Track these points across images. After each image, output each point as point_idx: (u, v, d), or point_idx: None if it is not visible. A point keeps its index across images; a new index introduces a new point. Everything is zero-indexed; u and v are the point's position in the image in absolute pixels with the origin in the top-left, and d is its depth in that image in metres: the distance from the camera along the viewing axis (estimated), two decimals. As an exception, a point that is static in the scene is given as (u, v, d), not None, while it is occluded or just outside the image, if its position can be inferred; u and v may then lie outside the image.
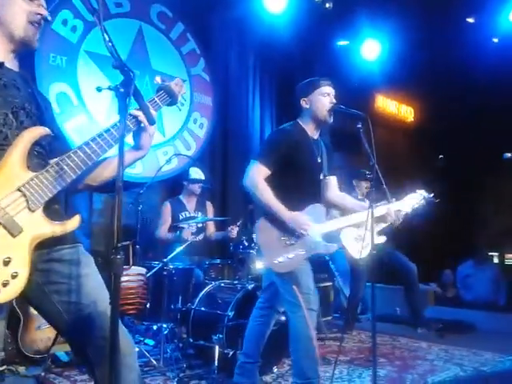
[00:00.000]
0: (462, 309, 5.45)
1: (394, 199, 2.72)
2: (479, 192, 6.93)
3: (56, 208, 1.53)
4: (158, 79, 1.77)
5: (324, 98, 2.62)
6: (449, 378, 3.32)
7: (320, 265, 4.54)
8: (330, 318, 5.00)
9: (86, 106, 4.29)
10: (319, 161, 2.66)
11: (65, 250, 1.53)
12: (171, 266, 3.49)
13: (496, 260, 7.26)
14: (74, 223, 1.49)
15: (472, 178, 7.18)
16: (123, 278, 3.12)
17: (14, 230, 1.35)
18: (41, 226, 1.41)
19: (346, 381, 3.20)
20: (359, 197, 4.64)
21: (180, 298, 3.53)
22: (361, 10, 5.72)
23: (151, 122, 1.58)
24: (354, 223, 2.67)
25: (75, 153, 1.47)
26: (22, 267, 1.36)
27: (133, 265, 3.50)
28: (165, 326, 3.34)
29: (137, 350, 3.20)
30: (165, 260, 3.45)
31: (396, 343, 4.35)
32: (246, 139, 5.55)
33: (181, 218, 4.25)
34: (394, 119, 7.85)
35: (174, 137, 4.98)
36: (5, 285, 1.32)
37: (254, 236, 3.69)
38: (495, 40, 6.25)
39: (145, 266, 3.56)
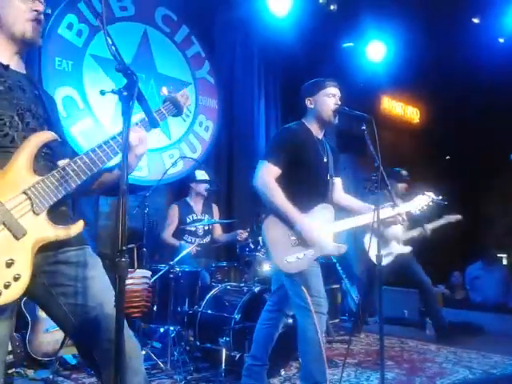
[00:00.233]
0: (470, 311, 5.41)
1: (399, 200, 2.70)
2: (487, 193, 6.89)
3: (63, 210, 1.53)
4: (164, 91, 1.78)
5: (329, 99, 2.61)
6: (458, 381, 3.29)
7: (327, 267, 4.52)
8: (337, 320, 4.99)
9: (91, 109, 4.31)
10: (325, 160, 2.65)
11: (71, 252, 1.53)
12: (178, 269, 3.49)
13: (505, 261, 7.20)
14: (77, 228, 1.49)
15: (479, 179, 7.14)
16: (128, 281, 3.11)
17: (17, 233, 1.36)
18: (44, 230, 1.42)
19: (354, 383, 3.18)
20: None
21: (187, 300, 3.52)
22: (366, 11, 5.70)
23: (155, 125, 1.57)
24: (363, 224, 2.63)
25: (81, 158, 1.48)
26: (24, 270, 1.36)
27: (140, 268, 3.50)
28: (172, 328, 3.34)
29: (144, 352, 3.24)
30: (171, 263, 3.45)
31: (404, 346, 4.32)
32: (252, 141, 5.55)
33: (188, 220, 4.26)
34: (399, 121, 7.82)
35: (180, 140, 4.98)
36: (7, 286, 1.32)
37: (260, 237, 3.69)
38: (501, 40, 6.22)
39: (151, 269, 3.56)
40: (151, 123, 1.57)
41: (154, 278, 3.43)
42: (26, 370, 3.12)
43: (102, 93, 1.48)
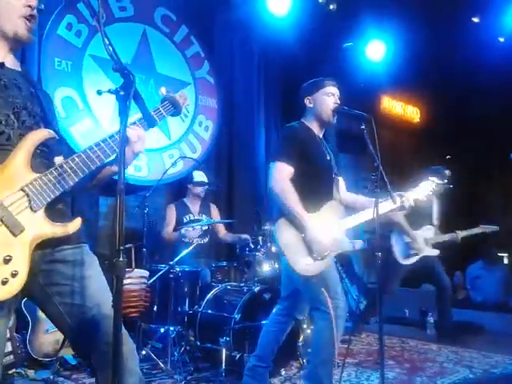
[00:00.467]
0: (471, 310, 5.39)
1: (397, 196, 2.68)
2: (487, 192, 6.88)
3: (60, 208, 1.53)
4: (163, 90, 1.78)
5: (328, 98, 2.61)
6: (458, 381, 3.28)
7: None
8: (347, 323, 4.98)
9: (91, 110, 4.31)
10: (328, 159, 2.66)
11: (68, 251, 1.53)
12: (178, 269, 3.49)
13: (506, 261, 7.19)
14: (75, 225, 1.49)
15: (479, 179, 7.13)
16: (126, 281, 3.12)
17: (15, 229, 1.36)
18: (42, 227, 1.42)
19: (355, 383, 3.17)
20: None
21: (187, 300, 3.53)
22: (365, 10, 5.70)
23: (152, 124, 1.58)
24: (372, 218, 2.60)
25: (79, 156, 1.49)
26: (22, 266, 1.37)
27: (140, 268, 3.50)
28: (172, 328, 3.34)
29: (144, 352, 3.24)
30: (171, 263, 3.45)
31: (405, 345, 4.32)
32: (252, 141, 5.54)
33: (185, 220, 4.25)
34: (399, 120, 7.82)
35: (180, 140, 4.98)
36: (4, 283, 1.33)
37: (260, 237, 3.69)
38: (501, 39, 6.21)
39: (151, 269, 3.57)
40: (148, 122, 1.58)
41: (154, 277, 3.43)
42: (27, 370, 3.12)
43: (99, 93, 1.48)
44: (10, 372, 2.92)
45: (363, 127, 2.47)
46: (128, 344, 1.52)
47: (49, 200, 1.43)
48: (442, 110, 7.14)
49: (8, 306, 1.45)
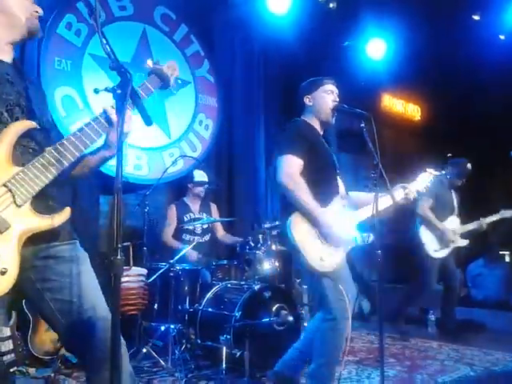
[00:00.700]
0: (472, 308, 5.39)
1: (401, 188, 2.69)
2: (488, 190, 6.87)
3: (47, 201, 1.51)
4: (149, 63, 1.72)
5: (327, 96, 2.61)
6: (459, 378, 3.28)
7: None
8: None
9: (91, 109, 4.32)
10: (331, 155, 2.66)
11: (60, 247, 1.53)
12: (178, 267, 3.49)
13: (508, 259, 7.17)
14: (62, 217, 1.47)
15: (481, 177, 7.11)
16: (124, 279, 3.12)
17: (1, 227, 1.35)
18: (28, 221, 1.40)
19: (355, 381, 3.17)
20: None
21: (187, 298, 3.54)
22: (365, 9, 5.70)
23: (148, 122, 1.53)
24: (381, 209, 2.57)
25: (62, 144, 1.46)
26: (11, 263, 1.35)
27: (140, 266, 3.51)
28: (172, 326, 3.35)
29: (145, 351, 3.24)
30: (172, 261, 3.45)
31: (406, 343, 4.32)
32: (252, 140, 5.55)
33: (186, 219, 4.25)
34: (400, 118, 7.80)
35: (180, 138, 4.99)
36: None
37: (261, 235, 3.69)
38: (502, 37, 6.20)
39: (152, 268, 3.58)
40: (145, 121, 1.55)
41: (155, 276, 3.44)
42: (28, 368, 3.12)
43: (96, 91, 1.47)
44: (11, 370, 2.92)
45: (363, 125, 2.47)
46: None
47: (33, 193, 1.41)
48: (443, 108, 7.12)
49: (2, 302, 1.45)
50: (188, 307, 3.50)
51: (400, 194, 2.68)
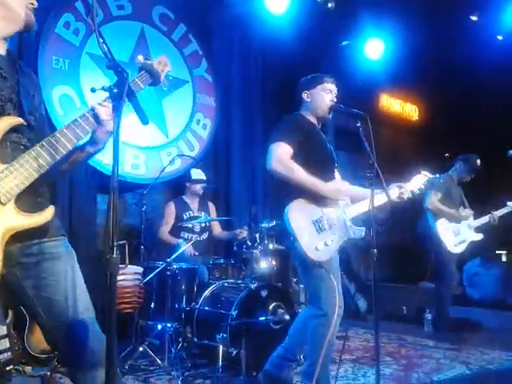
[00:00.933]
0: (468, 307, 5.41)
1: (397, 187, 2.70)
2: (485, 190, 6.88)
3: (34, 197, 1.50)
4: (140, 58, 1.70)
5: (326, 95, 2.63)
6: (454, 377, 3.30)
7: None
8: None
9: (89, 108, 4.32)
10: (330, 148, 2.68)
11: (48, 243, 1.52)
12: (175, 266, 3.50)
13: (504, 258, 7.19)
14: (46, 215, 1.46)
15: (479, 177, 7.12)
16: (119, 277, 3.13)
17: None
18: (12, 219, 1.39)
19: (351, 379, 3.18)
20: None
21: (184, 297, 3.54)
22: (363, 8, 5.71)
23: (144, 121, 1.53)
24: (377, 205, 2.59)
25: (48, 141, 1.45)
26: None
27: (137, 265, 3.52)
28: (169, 325, 3.35)
29: (141, 349, 3.25)
30: (168, 260, 3.46)
31: (402, 342, 4.33)
32: (250, 139, 5.55)
33: (185, 217, 4.27)
34: (398, 118, 7.82)
35: (178, 138, 4.99)
36: None
37: (257, 234, 3.70)
38: (499, 38, 6.22)
39: (149, 266, 3.58)
40: (141, 120, 1.55)
41: (151, 274, 3.45)
42: (24, 366, 3.13)
43: (93, 90, 1.48)
44: (8, 368, 2.93)
45: (359, 125, 2.49)
46: (97, 338, 1.53)
47: (18, 191, 1.40)
48: (441, 108, 7.14)
49: None
50: (185, 306, 3.51)
51: (395, 192, 2.69)
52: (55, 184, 3.93)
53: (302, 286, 4.38)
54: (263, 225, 3.73)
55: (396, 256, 6.21)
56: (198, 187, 4.35)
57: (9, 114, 1.48)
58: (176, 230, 4.22)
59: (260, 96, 5.71)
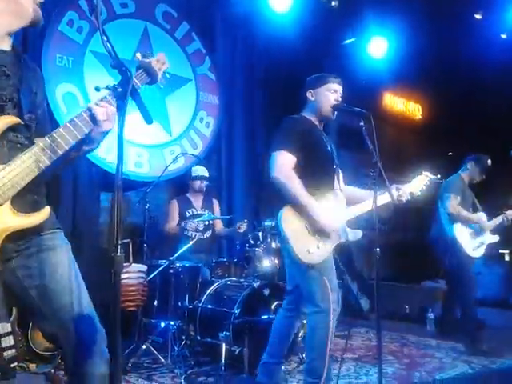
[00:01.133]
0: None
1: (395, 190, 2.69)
2: (488, 189, 6.87)
3: (31, 197, 1.50)
4: (138, 56, 1.68)
5: (330, 94, 2.63)
6: (457, 376, 3.30)
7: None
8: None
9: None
10: (329, 149, 2.68)
11: (43, 236, 1.53)
12: (178, 264, 3.51)
13: (507, 257, 7.18)
14: (42, 215, 1.47)
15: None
16: (123, 275, 3.14)
17: None
18: (8, 220, 1.39)
19: (353, 378, 3.20)
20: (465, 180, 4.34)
21: (187, 295, 3.55)
22: (367, 7, 5.70)
23: (148, 121, 1.53)
24: (371, 209, 2.61)
25: (44, 141, 1.45)
26: None
27: (140, 263, 3.53)
28: (172, 323, 3.37)
29: (144, 347, 3.27)
30: (171, 258, 3.47)
31: (405, 341, 4.34)
32: (252, 138, 5.56)
33: (188, 215, 4.27)
34: (401, 117, 7.81)
35: (181, 136, 5.00)
36: None
37: (260, 233, 3.71)
38: (503, 36, 6.19)
39: (152, 265, 3.59)
40: (145, 120, 1.55)
41: (155, 273, 3.46)
42: (29, 364, 3.15)
43: (97, 89, 1.48)
44: (12, 366, 2.94)
45: (362, 124, 2.49)
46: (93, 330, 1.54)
47: (14, 192, 1.39)
48: (444, 107, 7.12)
49: (1, 299, 1.46)
50: (188, 304, 3.52)
51: (393, 195, 2.68)
52: (59, 183, 3.94)
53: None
54: (266, 223, 3.74)
55: (399, 255, 6.20)
56: (199, 184, 4.33)
57: (8, 114, 1.47)
58: (179, 228, 4.21)
59: (263, 94, 5.71)
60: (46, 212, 1.48)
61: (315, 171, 2.53)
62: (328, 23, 5.70)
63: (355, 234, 2.58)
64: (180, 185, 4.73)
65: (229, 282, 3.61)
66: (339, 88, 2.67)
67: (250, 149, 5.46)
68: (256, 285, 3.36)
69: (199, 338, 3.38)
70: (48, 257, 1.52)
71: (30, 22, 1.57)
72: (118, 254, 1.30)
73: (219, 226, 4.49)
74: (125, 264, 3.06)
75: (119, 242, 1.31)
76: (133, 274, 3.29)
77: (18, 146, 1.48)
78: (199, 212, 4.31)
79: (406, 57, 6.19)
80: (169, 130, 4.91)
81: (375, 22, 5.91)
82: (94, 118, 1.49)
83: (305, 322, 3.32)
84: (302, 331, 3.31)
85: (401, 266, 6.29)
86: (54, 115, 3.92)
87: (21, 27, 1.58)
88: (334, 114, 2.65)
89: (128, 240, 3.14)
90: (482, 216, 4.30)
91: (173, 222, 4.23)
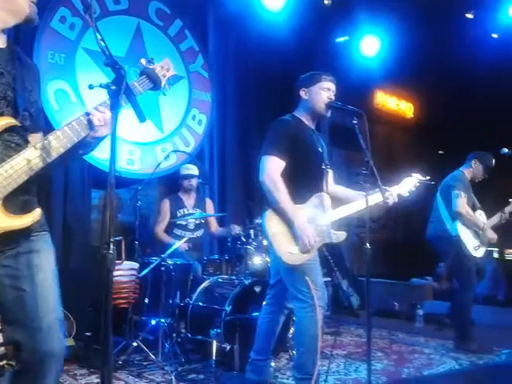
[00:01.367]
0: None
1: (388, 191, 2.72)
2: (477, 187, 6.94)
3: (26, 199, 1.50)
4: (142, 61, 1.67)
5: (324, 93, 2.64)
6: (445, 372, 3.34)
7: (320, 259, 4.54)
8: (328, 313, 5.04)
9: (84, 103, 4.31)
10: (320, 150, 2.70)
11: (29, 237, 1.52)
12: (169, 262, 3.51)
13: (496, 255, 7.26)
14: (33, 217, 1.47)
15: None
16: (115, 273, 3.15)
17: None
18: None
19: (343, 374, 3.22)
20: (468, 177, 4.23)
21: (178, 293, 3.56)
22: (360, 6, 5.71)
23: (141, 119, 1.53)
24: (357, 211, 2.64)
25: (34, 147, 1.44)
26: None
27: (131, 261, 3.53)
28: (163, 320, 3.37)
29: (135, 344, 3.27)
30: (163, 256, 3.48)
31: (394, 337, 4.39)
32: (245, 136, 5.56)
33: (179, 214, 4.26)
34: (393, 115, 7.85)
35: (173, 133, 4.99)
36: None
37: (252, 231, 3.72)
38: (495, 36, 6.24)
39: (143, 262, 3.59)
40: (139, 118, 1.56)
41: (146, 270, 3.46)
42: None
43: (91, 87, 1.48)
44: (1, 363, 2.93)
45: (355, 122, 2.51)
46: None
47: (5, 193, 1.39)
48: (436, 106, 7.17)
49: None
50: (179, 301, 3.53)
51: (384, 193, 2.71)
52: (50, 180, 3.93)
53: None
54: (257, 221, 3.75)
55: (388, 252, 6.25)
56: (188, 182, 4.31)
57: (2, 113, 1.47)
58: (169, 227, 4.21)
59: (256, 92, 5.71)
60: (36, 214, 1.48)
61: (302, 173, 2.56)
62: (321, 22, 5.72)
63: (339, 236, 2.61)
64: (172, 182, 4.72)
65: (220, 280, 3.62)
66: (332, 86, 2.68)
67: (242, 146, 5.46)
68: (247, 282, 3.37)
69: (190, 335, 3.40)
70: (32, 259, 1.51)
71: (24, 19, 1.56)
72: (111, 251, 1.31)
73: (214, 226, 4.47)
74: (117, 261, 3.06)
75: (111, 240, 1.31)
76: (125, 271, 3.30)
77: (13, 145, 1.48)
78: (190, 211, 4.30)
79: (398, 55, 6.22)
80: (161, 127, 4.91)
81: (368, 20, 5.93)
82: (90, 123, 1.50)
83: (295, 318, 3.36)
84: (291, 328, 3.34)
85: (390, 263, 6.35)
86: (45, 112, 3.91)
87: (15, 24, 1.57)
88: (327, 112, 2.67)
89: (120, 237, 3.14)
90: (481, 217, 4.24)
91: (162, 224, 4.23)
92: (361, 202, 2.61)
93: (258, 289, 3.37)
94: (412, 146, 7.55)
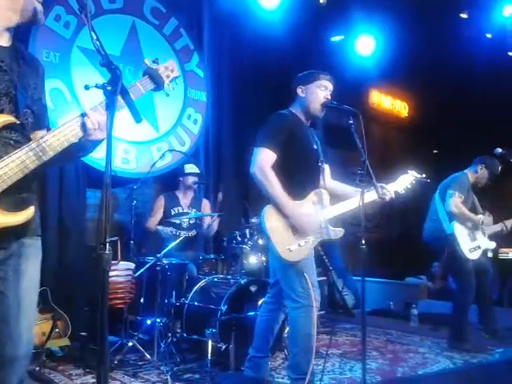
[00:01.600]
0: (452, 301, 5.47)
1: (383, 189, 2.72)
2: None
3: (24, 197, 1.50)
4: (146, 62, 1.66)
5: (320, 91, 2.65)
6: (439, 371, 3.36)
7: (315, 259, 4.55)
8: (323, 312, 5.05)
9: (79, 102, 4.29)
10: (315, 147, 2.70)
11: (20, 241, 1.52)
12: (165, 261, 3.51)
13: (490, 254, 7.29)
14: (26, 214, 1.47)
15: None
16: (111, 273, 3.14)
17: None
18: None
19: (338, 373, 3.24)
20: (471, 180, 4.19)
21: (174, 292, 3.56)
22: (355, 5, 5.72)
23: (137, 120, 1.52)
24: (357, 206, 2.62)
25: (29, 146, 1.44)
26: None
27: (127, 260, 3.53)
28: (159, 320, 3.37)
29: (130, 344, 3.27)
30: (158, 255, 3.47)
31: (389, 337, 4.40)
32: (241, 135, 5.55)
33: (173, 213, 4.24)
34: (388, 114, 7.87)
35: (168, 133, 4.98)
36: None
37: (247, 230, 3.73)
38: (489, 35, 6.27)
39: (139, 262, 3.59)
40: (135, 118, 1.55)
41: (141, 270, 3.45)
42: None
43: (86, 87, 1.48)
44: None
45: (351, 122, 2.51)
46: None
47: (0, 190, 1.39)
48: (431, 105, 7.20)
49: None
50: (174, 301, 3.53)
51: (376, 193, 2.71)
52: (45, 179, 3.91)
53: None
54: (253, 220, 3.76)
55: (383, 252, 6.27)
56: (191, 180, 4.31)
57: (2, 110, 1.47)
58: (163, 225, 4.18)
59: (251, 91, 5.70)
60: (31, 211, 1.48)
61: (298, 170, 2.56)
62: (316, 21, 5.72)
63: (337, 233, 2.62)
64: (167, 181, 4.71)
65: (216, 279, 3.63)
66: (330, 85, 2.69)
67: (237, 145, 5.45)
68: (243, 282, 3.38)
69: (185, 334, 3.40)
70: (20, 263, 1.50)
71: (29, 19, 1.56)
72: (107, 251, 1.30)
73: (213, 225, 4.42)
74: (113, 262, 3.06)
75: (107, 240, 1.31)
76: (121, 271, 3.29)
77: (12, 142, 1.48)
78: (185, 210, 4.29)
79: (393, 55, 6.24)
80: (156, 126, 4.89)
81: (363, 19, 5.94)
82: (84, 126, 1.49)
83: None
84: (287, 328, 3.35)
85: (385, 263, 6.37)
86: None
87: (21, 23, 1.57)
88: (321, 112, 2.68)
89: (116, 238, 3.14)
90: (489, 221, 4.23)
91: (154, 219, 4.21)
92: (359, 197, 2.60)
93: (253, 288, 3.37)
94: (406, 145, 7.58)
